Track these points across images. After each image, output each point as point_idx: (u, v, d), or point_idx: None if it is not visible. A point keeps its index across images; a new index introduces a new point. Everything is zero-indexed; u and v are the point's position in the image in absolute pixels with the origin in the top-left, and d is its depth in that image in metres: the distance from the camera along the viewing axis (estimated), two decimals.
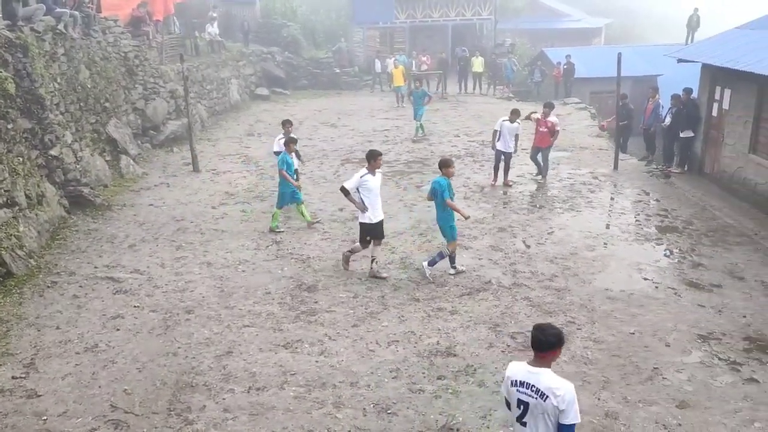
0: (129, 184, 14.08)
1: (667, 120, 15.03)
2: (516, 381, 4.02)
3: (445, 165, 9.07)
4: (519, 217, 11.80)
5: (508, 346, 7.37)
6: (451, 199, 9.00)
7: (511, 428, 4.27)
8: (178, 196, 13.35)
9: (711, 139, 14.13)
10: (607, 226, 11.45)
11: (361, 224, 9.24)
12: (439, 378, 6.75)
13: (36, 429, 5.98)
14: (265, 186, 14.05)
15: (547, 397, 3.88)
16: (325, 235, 11.04)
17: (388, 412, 6.21)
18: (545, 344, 3.96)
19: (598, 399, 6.34)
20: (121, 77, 15.79)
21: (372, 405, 6.32)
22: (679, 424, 5.95)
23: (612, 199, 13.17)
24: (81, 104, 13.47)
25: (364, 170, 9.03)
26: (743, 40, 13.60)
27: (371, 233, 9.20)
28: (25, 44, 11.16)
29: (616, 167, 15.13)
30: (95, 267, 9.70)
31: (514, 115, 13.45)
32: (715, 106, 13.92)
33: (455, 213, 9.08)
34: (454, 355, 7.19)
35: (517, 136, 13.62)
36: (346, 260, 9.56)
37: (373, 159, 9.02)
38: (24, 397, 6.47)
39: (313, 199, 12.97)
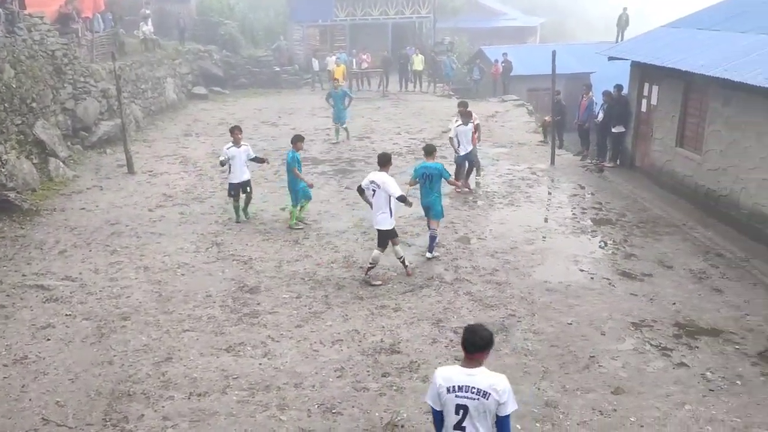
0: (59, 187, 13.51)
1: (600, 116, 15.53)
2: (453, 387, 3.97)
3: (427, 151, 9.65)
4: (460, 213, 11.94)
5: (451, 341, 7.44)
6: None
7: None
8: (112, 199, 12.91)
9: (641, 134, 14.67)
10: (546, 220, 11.73)
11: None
12: (383, 375, 6.76)
13: None
14: (204, 187, 13.75)
15: (489, 394, 3.92)
16: (267, 235, 10.89)
17: (333, 411, 6.18)
18: (479, 346, 3.97)
19: (538, 389, 6.49)
20: (48, 76, 15.13)
21: (317, 405, 6.27)
22: (615, 410, 6.15)
23: (549, 193, 13.51)
24: (5, 105, 12.84)
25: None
26: (669, 38, 14.18)
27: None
28: None
29: (553, 162, 15.53)
30: (23, 275, 9.27)
31: (466, 117, 13.14)
32: (644, 102, 14.45)
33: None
34: (398, 352, 7.22)
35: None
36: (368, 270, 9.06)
37: (389, 162, 8.92)
38: None
39: (254, 200, 12.75)
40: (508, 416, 3.98)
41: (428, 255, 9.79)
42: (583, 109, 16.49)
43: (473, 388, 3.93)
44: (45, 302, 8.44)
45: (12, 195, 11.55)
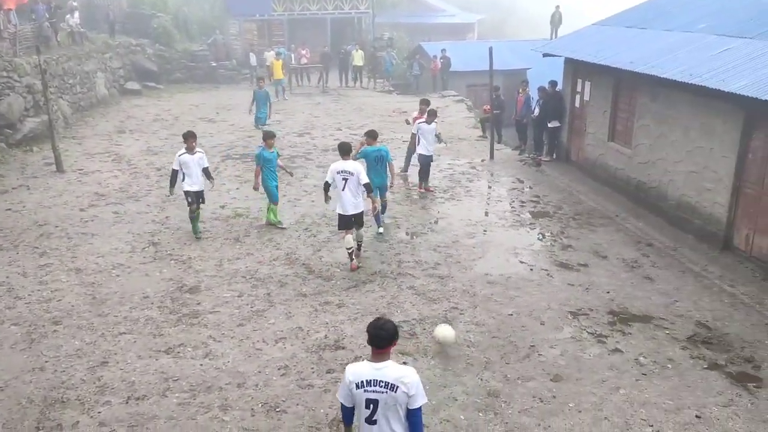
0: None
1: (536, 111, 15.92)
2: (362, 382, 4.01)
3: (372, 135, 10.44)
4: (402, 208, 12.01)
5: None
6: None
7: None
8: (39, 199, 12.34)
9: (575, 129, 15.12)
10: (486, 214, 11.93)
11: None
12: (328, 372, 6.73)
13: None
14: (140, 185, 13.33)
15: (397, 387, 3.96)
16: (207, 234, 10.66)
17: (277, 410, 6.11)
18: (385, 340, 4.01)
19: (481, 379, 6.60)
20: None
21: (260, 404, 6.19)
22: (554, 397, 6.32)
23: (489, 187, 13.75)
24: None
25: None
26: (600, 35, 14.66)
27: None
28: None
29: (492, 157, 15.81)
30: None
31: (431, 116, 12.78)
32: (578, 97, 14.90)
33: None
34: (343, 348, 7.20)
35: (438, 137, 13.17)
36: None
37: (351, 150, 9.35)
38: None
39: None
40: (418, 409, 4.03)
41: (380, 230, 10.66)
42: (520, 105, 16.87)
43: (381, 381, 3.98)
44: None
45: None
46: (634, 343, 7.35)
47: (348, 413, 4.22)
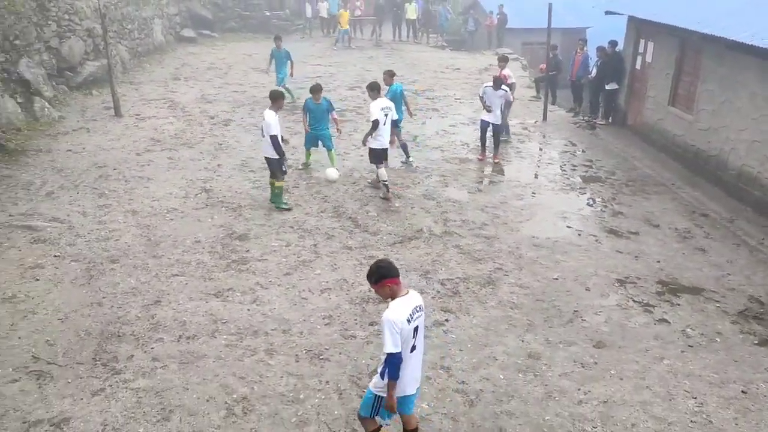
0: (44, 128, 13.27)
1: (594, 72, 15.40)
2: (409, 317, 4.29)
3: (390, 74, 11.73)
4: (452, 167, 11.93)
5: (438, 292, 7.54)
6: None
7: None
8: (99, 141, 12.71)
9: (634, 92, 14.60)
10: (536, 176, 11.75)
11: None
12: (370, 324, 6.86)
13: None
14: (194, 133, 13.57)
15: (422, 305, 4.49)
16: (256, 183, 10.84)
17: (321, 357, 6.29)
18: (395, 268, 4.43)
19: (522, 341, 6.63)
20: (31, 13, 14.64)
21: (304, 351, 6.37)
22: (595, 363, 6.31)
23: (540, 149, 13.50)
24: None
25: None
26: None
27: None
28: None
29: (545, 118, 15.47)
30: (10, 215, 9.19)
31: (497, 82, 11.86)
32: (639, 58, 14.34)
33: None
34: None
35: (508, 104, 12.31)
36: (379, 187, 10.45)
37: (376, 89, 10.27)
38: None
39: (243, 147, 12.67)
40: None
41: (411, 159, 11.89)
42: (577, 65, 16.32)
43: (417, 306, 4.40)
44: (33, 243, 8.40)
45: None
46: (682, 314, 7.23)
47: (399, 361, 4.25)
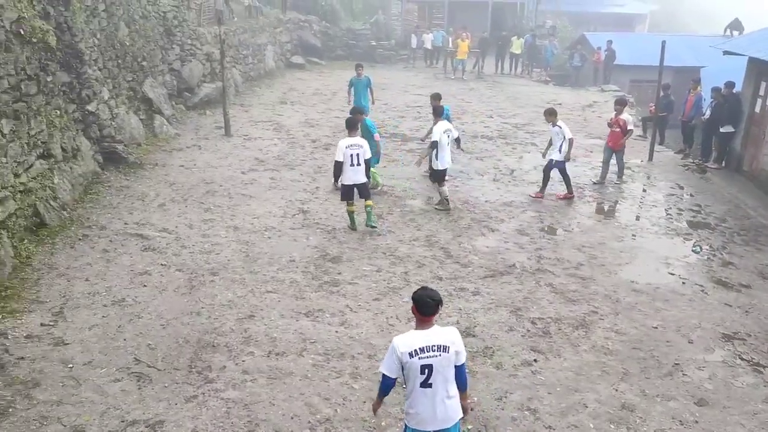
0: (161, 143, 14.23)
1: (707, 113, 14.66)
2: (415, 350, 4.27)
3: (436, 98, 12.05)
4: (548, 203, 11.67)
5: (528, 331, 7.34)
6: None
7: (407, 401, 4.49)
8: (208, 159, 13.46)
9: (752, 136, 13.75)
10: (637, 218, 11.28)
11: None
12: None
13: (62, 376, 6.16)
14: (296, 155, 14.08)
15: (449, 347, 4.33)
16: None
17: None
18: (433, 307, 4.30)
19: (616, 390, 6.31)
20: (159, 37, 15.85)
21: None
22: (696, 421, 5.90)
23: (644, 190, 12.95)
24: (119, 61, 13.58)
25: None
26: None
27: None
28: None
29: (651, 158, 14.85)
30: (125, 223, 9.87)
31: (551, 116, 11.68)
32: (759, 101, 13.52)
33: None
34: (474, 336, 7.20)
35: (569, 141, 11.55)
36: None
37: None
38: (52, 344, 6.66)
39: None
40: (464, 364, 4.46)
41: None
42: (689, 105, 15.60)
43: (434, 346, 4.29)
44: (143, 251, 8.97)
45: (120, 147, 12.25)
46: None
47: (389, 385, 4.48)
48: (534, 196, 11.92)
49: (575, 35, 32.25)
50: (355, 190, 9.87)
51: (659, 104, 15.64)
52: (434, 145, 10.59)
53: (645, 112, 19.25)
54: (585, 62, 27.44)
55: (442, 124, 10.77)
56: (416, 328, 4.39)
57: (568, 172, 11.89)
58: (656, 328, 7.53)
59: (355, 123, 10.05)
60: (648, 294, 8.37)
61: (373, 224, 10.00)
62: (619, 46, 26.25)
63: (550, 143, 11.92)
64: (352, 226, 10.10)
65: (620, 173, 13.22)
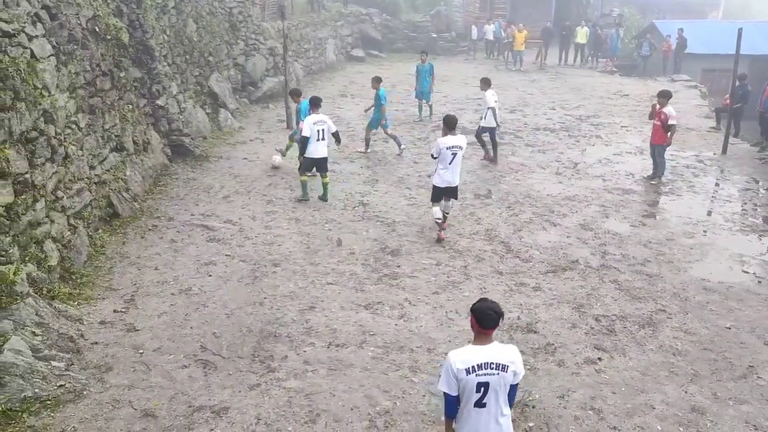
0: (226, 137, 14.59)
1: None
2: (473, 367, 3.98)
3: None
4: (613, 197, 11.34)
5: (592, 328, 7.17)
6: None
7: (458, 420, 4.17)
8: (271, 151, 13.67)
9: None
10: (709, 213, 10.81)
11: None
12: None
13: (133, 361, 6.41)
14: (355, 148, 14.16)
15: (507, 367, 4.03)
16: (412, 200, 11.04)
17: None
18: (494, 321, 4.02)
19: (686, 392, 6.09)
20: (224, 32, 16.24)
21: None
22: None
23: (717, 184, 12.39)
24: (187, 57, 13.99)
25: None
26: None
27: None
28: None
29: (724, 151, 14.20)
30: (192, 214, 10.18)
31: (484, 84, 13.00)
32: None
33: None
34: (535, 332, 7.08)
35: (492, 110, 12.76)
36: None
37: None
38: (123, 330, 6.94)
39: (401, 164, 12.99)
40: (517, 384, 4.17)
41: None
42: (766, 96, 14.82)
43: (493, 363, 4.00)
44: (209, 241, 9.23)
45: (187, 140, 12.64)
46: None
47: (454, 404, 4.11)
48: (483, 158, 13.30)
49: (644, 23, 31.07)
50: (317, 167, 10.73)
51: (734, 95, 14.91)
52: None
53: (718, 103, 18.41)
54: (654, 51, 26.42)
55: (447, 139, 8.90)
56: (474, 343, 4.10)
57: (496, 138, 13.27)
58: (729, 328, 7.22)
59: (317, 102, 10.90)
60: (720, 293, 8.02)
61: (326, 198, 10.93)
62: (691, 34, 25.16)
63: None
64: (305, 197, 10.85)
65: (656, 172, 12.23)
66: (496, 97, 13.08)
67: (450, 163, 8.98)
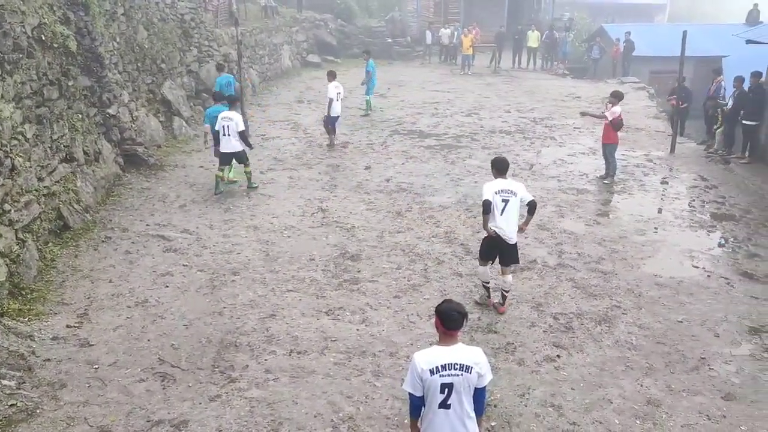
0: (181, 145, 14.35)
1: (730, 103, 14.41)
2: (437, 367, 4.01)
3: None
4: (568, 197, 11.57)
5: (550, 326, 7.29)
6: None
7: (423, 422, 4.19)
8: None
9: None
10: (660, 211, 11.13)
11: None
12: None
13: (88, 377, 6.24)
14: (313, 153, 14.12)
15: (472, 368, 4.04)
16: (371, 205, 11.06)
17: None
18: (459, 322, 4.05)
19: (641, 385, 6.25)
20: (177, 39, 15.98)
21: None
22: (724, 416, 5.82)
23: (666, 182, 12.77)
24: (138, 64, 13.72)
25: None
26: None
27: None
28: (86, 2, 11.34)
29: (672, 150, 14.66)
30: (147, 225, 9.97)
31: (329, 76, 14.88)
32: None
33: None
34: (495, 332, 7.17)
35: (329, 100, 14.39)
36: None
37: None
38: (77, 345, 6.75)
39: (360, 168, 13.00)
40: (485, 387, 4.17)
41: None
42: (710, 95, 15.36)
43: (456, 364, 4.02)
44: (165, 252, 9.06)
45: (140, 150, 12.39)
46: None
47: (418, 404, 4.15)
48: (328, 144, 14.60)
49: (593, 27, 31.87)
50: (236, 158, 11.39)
51: (678, 95, 15.41)
52: (485, 206, 7.13)
53: (665, 104, 19.01)
54: (604, 54, 27.12)
55: (495, 183, 7.25)
56: (439, 344, 4.12)
57: (336, 126, 14.70)
58: (681, 322, 7.44)
59: (221, 98, 11.94)
60: (672, 288, 8.27)
61: (255, 185, 11.73)
62: (638, 37, 25.93)
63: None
64: (217, 190, 11.38)
65: (608, 171, 12.44)
66: (340, 89, 14.63)
67: (502, 213, 7.18)
